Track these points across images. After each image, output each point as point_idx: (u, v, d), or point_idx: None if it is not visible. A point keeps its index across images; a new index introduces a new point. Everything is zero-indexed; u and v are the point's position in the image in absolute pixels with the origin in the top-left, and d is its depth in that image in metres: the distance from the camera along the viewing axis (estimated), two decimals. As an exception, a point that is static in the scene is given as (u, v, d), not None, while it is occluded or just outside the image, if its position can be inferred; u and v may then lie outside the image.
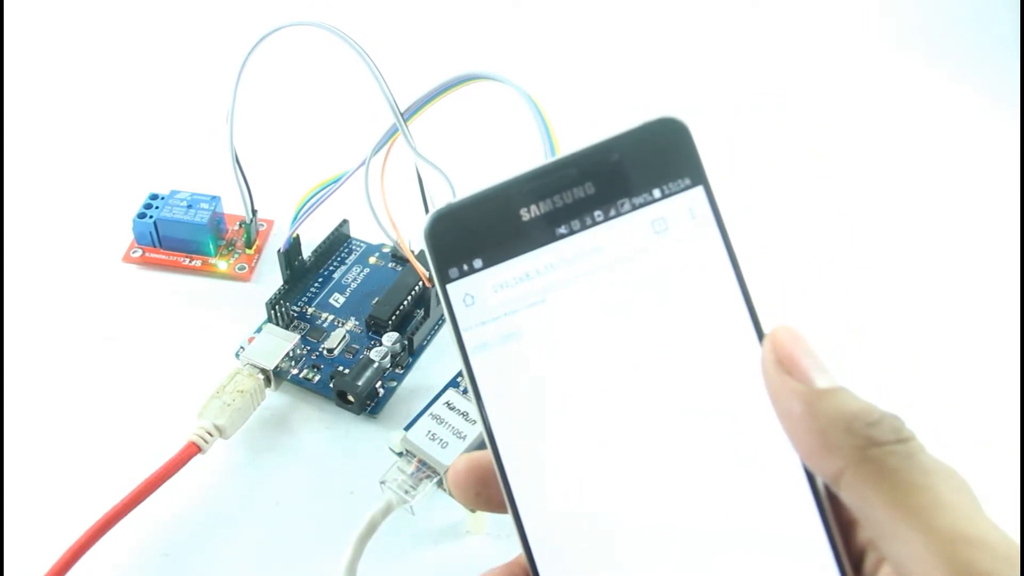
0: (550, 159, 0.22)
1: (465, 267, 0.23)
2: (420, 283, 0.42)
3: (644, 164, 0.22)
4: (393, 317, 0.41)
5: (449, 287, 0.23)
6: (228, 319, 0.44)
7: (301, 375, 0.40)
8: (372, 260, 0.46)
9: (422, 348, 0.42)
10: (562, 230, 0.22)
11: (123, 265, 0.46)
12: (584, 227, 0.22)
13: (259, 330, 0.41)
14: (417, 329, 0.41)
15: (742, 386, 0.22)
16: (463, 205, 0.23)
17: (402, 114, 0.35)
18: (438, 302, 0.42)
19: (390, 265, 0.45)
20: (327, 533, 0.35)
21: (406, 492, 0.33)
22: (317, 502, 0.37)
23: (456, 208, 0.23)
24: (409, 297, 0.42)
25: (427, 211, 0.39)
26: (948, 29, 0.66)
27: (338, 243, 0.46)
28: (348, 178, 0.38)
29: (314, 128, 0.56)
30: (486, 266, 0.23)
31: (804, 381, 0.20)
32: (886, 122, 0.58)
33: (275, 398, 0.40)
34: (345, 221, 0.46)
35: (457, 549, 0.35)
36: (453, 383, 0.38)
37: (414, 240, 0.41)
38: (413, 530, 0.35)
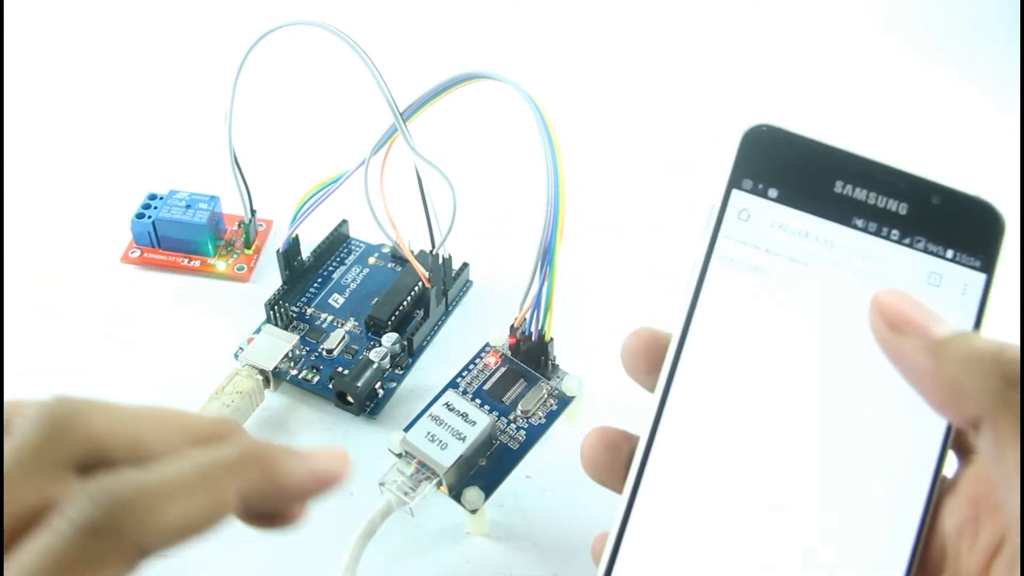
0: (889, 162, 0.23)
1: (760, 187, 0.23)
2: (420, 283, 0.42)
3: (954, 223, 0.23)
4: (393, 318, 0.41)
5: (734, 193, 0.23)
6: (227, 320, 0.43)
7: (300, 376, 0.40)
8: (371, 260, 0.46)
9: (422, 349, 0.42)
10: (858, 222, 0.23)
11: (121, 265, 0.46)
12: (878, 234, 0.23)
13: (258, 331, 0.41)
14: (417, 330, 0.41)
15: (905, 459, 0.22)
16: (793, 138, 0.23)
17: (401, 114, 0.35)
18: (437, 303, 0.42)
19: (389, 265, 0.45)
20: (327, 534, 0.35)
21: (405, 494, 0.33)
22: (316, 503, 0.36)
23: (786, 134, 0.23)
24: (409, 297, 0.42)
25: (427, 212, 0.39)
26: (948, 29, 0.66)
27: (337, 243, 0.46)
28: (347, 178, 0.38)
29: (313, 128, 0.55)
30: (779, 201, 0.23)
31: (923, 334, 0.20)
32: (885, 122, 0.58)
33: (274, 399, 0.40)
34: (344, 221, 0.46)
35: (457, 550, 0.35)
36: (452, 384, 0.37)
37: (413, 240, 0.41)
38: (413, 532, 0.35)
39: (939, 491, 0.22)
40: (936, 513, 0.22)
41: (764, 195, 0.23)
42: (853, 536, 0.22)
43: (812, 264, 0.23)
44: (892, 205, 0.23)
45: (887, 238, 0.23)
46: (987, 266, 0.23)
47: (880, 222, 0.23)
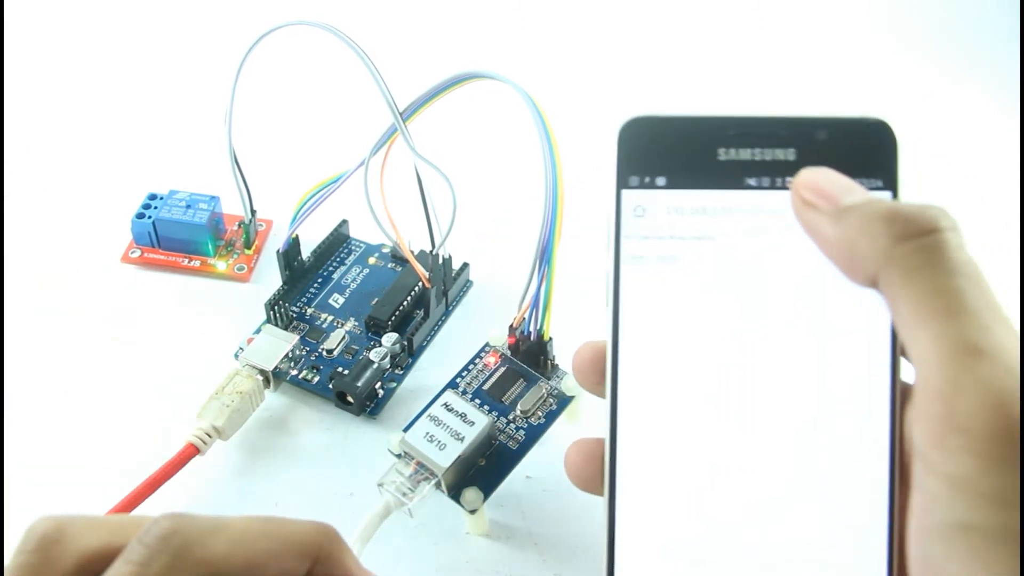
0: (764, 113, 0.23)
1: (647, 179, 0.23)
2: (420, 283, 0.42)
3: (847, 152, 0.23)
4: (393, 318, 0.41)
5: (624, 193, 0.23)
6: (227, 320, 0.43)
7: (300, 376, 0.40)
8: (371, 260, 0.46)
9: (422, 349, 0.42)
10: (751, 182, 0.23)
11: (122, 265, 0.46)
12: (773, 187, 0.23)
13: (258, 331, 0.41)
14: (417, 330, 0.41)
15: (860, 387, 0.22)
16: (665, 120, 0.23)
17: (401, 114, 0.35)
18: (437, 303, 0.42)
19: (389, 265, 0.45)
20: (326, 535, 0.35)
21: (404, 494, 0.33)
22: (316, 504, 0.36)
23: (657, 120, 0.23)
24: (409, 297, 0.42)
25: (426, 212, 0.39)
26: (948, 29, 0.66)
27: (337, 243, 0.46)
28: (347, 178, 0.38)
29: (313, 128, 0.55)
30: (668, 187, 0.23)
31: (832, 203, 0.21)
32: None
33: (274, 399, 0.40)
34: (344, 221, 0.46)
35: (456, 551, 0.35)
36: (452, 384, 0.37)
37: (413, 240, 0.41)
38: (412, 532, 0.35)
39: (900, 408, 0.22)
40: (902, 427, 0.22)
41: (653, 186, 0.23)
42: (829, 484, 0.22)
43: (718, 237, 0.23)
44: (779, 154, 0.23)
45: (784, 188, 0.23)
46: (890, 182, 0.22)
47: (772, 174, 0.23)
